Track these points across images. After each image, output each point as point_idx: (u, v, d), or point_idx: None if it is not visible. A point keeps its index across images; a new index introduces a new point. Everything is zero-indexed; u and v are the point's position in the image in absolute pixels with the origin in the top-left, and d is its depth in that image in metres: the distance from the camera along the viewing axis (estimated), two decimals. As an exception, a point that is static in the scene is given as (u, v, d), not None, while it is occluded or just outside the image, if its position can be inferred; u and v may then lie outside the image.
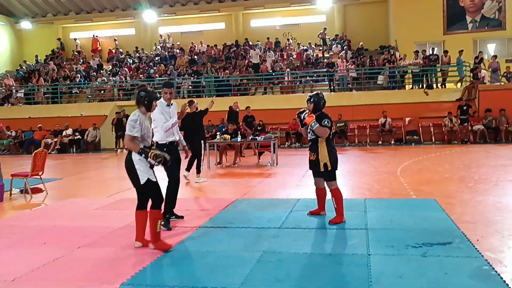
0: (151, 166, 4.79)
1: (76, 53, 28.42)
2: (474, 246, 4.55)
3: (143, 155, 4.68)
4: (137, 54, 27.19)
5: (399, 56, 20.66)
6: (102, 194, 8.64)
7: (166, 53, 26.67)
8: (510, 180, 8.42)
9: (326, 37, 25.22)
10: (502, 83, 18.84)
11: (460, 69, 19.23)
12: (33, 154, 8.58)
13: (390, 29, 24.35)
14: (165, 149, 5.76)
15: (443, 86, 19.70)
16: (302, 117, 5.75)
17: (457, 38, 22.26)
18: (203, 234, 5.46)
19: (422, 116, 18.13)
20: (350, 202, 6.99)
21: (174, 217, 6.11)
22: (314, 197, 7.45)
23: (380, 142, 18.05)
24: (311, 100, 5.76)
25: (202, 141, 9.76)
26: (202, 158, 9.76)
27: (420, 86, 19.45)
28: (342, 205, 5.71)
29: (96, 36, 28.70)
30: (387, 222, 5.68)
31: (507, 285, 3.58)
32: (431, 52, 20.41)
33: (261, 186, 8.99)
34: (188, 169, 9.50)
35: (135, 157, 4.73)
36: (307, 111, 5.75)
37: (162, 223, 5.46)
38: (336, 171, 5.75)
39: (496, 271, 3.86)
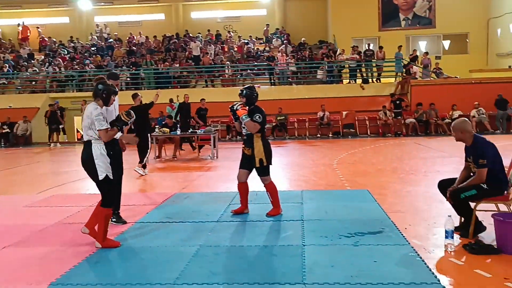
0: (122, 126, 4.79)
1: (4, 41, 26.76)
2: (402, 234, 4.78)
3: (121, 124, 4.74)
4: (72, 44, 26.05)
5: (338, 51, 21.21)
6: (33, 191, 8.24)
7: (103, 43, 25.74)
8: (438, 171, 8.89)
9: (269, 34, 25.40)
10: (432, 79, 19.86)
11: (398, 63, 20.03)
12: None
13: (328, 24, 24.92)
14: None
15: (378, 81, 20.45)
16: (234, 109, 5.63)
17: (391, 35, 23.18)
18: (139, 230, 5.34)
19: (358, 110, 18.73)
20: (287, 194, 7.11)
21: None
22: (253, 190, 7.53)
23: (318, 135, 18.47)
24: (243, 93, 5.66)
25: (148, 135, 9.62)
26: (148, 151, 9.65)
27: (356, 81, 20.10)
28: (278, 197, 5.76)
29: (23, 24, 26.93)
30: (322, 213, 5.83)
31: (430, 270, 3.79)
32: (367, 48, 21.10)
33: (200, 180, 8.95)
34: (141, 162, 9.49)
35: (96, 152, 4.60)
36: (240, 103, 5.65)
37: (114, 219, 5.44)
38: (271, 165, 5.75)
39: (420, 258, 4.07)
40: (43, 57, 24.61)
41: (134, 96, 9.66)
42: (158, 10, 27.33)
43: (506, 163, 4.68)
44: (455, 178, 4.87)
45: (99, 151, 4.60)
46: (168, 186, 8.46)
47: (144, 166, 9.62)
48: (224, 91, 20.40)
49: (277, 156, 12.58)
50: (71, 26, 27.60)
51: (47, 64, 23.30)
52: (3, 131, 18.96)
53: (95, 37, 26.39)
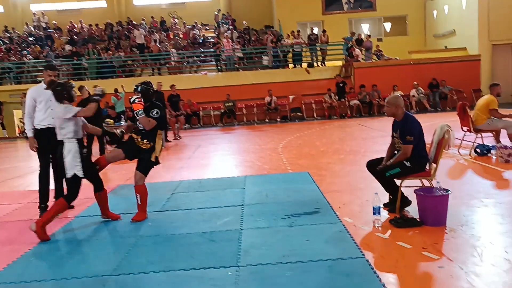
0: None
1: None
2: (335, 213, 5.01)
3: (97, 97, 5.17)
4: (7, 34, 24.85)
5: (283, 36, 21.41)
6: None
7: (41, 33, 24.72)
8: (377, 151, 9.24)
9: (219, 20, 25.23)
10: (374, 61, 20.47)
11: (346, 46, 20.44)
12: None
13: (273, 9, 25.04)
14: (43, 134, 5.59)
15: (322, 65, 20.85)
16: (130, 102, 5.24)
17: (334, 18, 23.64)
18: (79, 224, 5.31)
19: (305, 94, 19.08)
20: (231, 180, 7.25)
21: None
22: (198, 177, 7.62)
23: (267, 120, 18.70)
24: (138, 89, 5.30)
25: (103, 125, 9.51)
26: (104, 141, 9.74)
27: (302, 65, 20.42)
28: (146, 201, 5.36)
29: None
30: (263, 197, 5.99)
31: (357, 245, 4.02)
32: (310, 32, 21.42)
33: (145, 170, 8.89)
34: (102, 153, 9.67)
35: (66, 148, 4.76)
36: (138, 96, 5.24)
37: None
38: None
39: (350, 235, 4.31)
40: (-24, 48, 23.37)
41: (81, 89, 9.53)
42: (99, -3, 26.52)
43: (427, 140, 4.98)
44: (383, 158, 5.15)
45: (68, 147, 4.75)
46: (112, 178, 8.37)
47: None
48: (170, 79, 20.18)
49: (224, 142, 12.73)
50: (5, 16, 26.30)
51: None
52: None
53: (31, 27, 25.24)
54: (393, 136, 5.10)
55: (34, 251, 4.45)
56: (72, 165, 4.75)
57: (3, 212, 6.05)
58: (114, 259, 4.08)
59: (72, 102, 4.93)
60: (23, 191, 7.56)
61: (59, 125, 4.79)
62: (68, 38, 23.83)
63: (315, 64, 20.64)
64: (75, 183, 4.81)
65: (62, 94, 4.84)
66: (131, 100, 5.22)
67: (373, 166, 5.10)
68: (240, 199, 5.92)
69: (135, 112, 5.17)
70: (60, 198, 4.94)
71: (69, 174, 4.76)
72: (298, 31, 21.03)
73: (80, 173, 4.78)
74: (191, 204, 5.86)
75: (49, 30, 24.99)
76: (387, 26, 24.81)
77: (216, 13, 25.18)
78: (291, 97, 19.06)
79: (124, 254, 4.20)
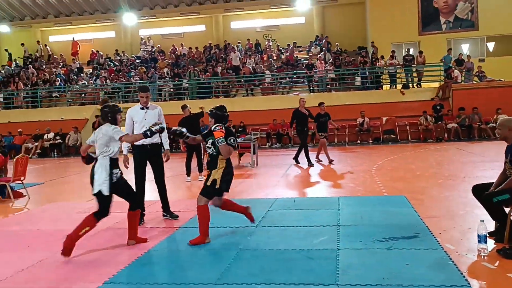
0: (152, 133, 5.07)
1: (56, 56, 28.21)
2: (436, 239, 4.88)
3: (149, 133, 5.04)
4: (118, 57, 27.18)
5: (378, 56, 21.12)
6: (84, 198, 8.78)
7: (147, 55, 26.73)
8: (477, 176, 8.80)
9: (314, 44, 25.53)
10: (475, 82, 19.44)
11: (444, 67, 19.70)
12: (14, 160, 8.67)
13: (367, 30, 24.83)
14: (144, 151, 6.17)
15: (418, 86, 20.22)
16: (212, 130, 5.18)
17: (432, 39, 22.85)
18: (183, 234, 5.68)
19: (399, 115, 18.58)
20: (325, 200, 7.31)
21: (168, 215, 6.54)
22: (291, 196, 7.78)
23: (358, 141, 18.45)
24: (211, 114, 5.25)
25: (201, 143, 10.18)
26: (202, 157, 10.18)
27: (396, 86, 19.97)
28: (207, 225, 5.25)
29: (74, 39, 28.33)
30: (358, 218, 5.98)
31: (461, 273, 3.90)
32: (406, 53, 20.92)
33: (241, 187, 9.24)
34: (200, 170, 10.09)
35: (97, 165, 4.98)
36: (218, 124, 5.17)
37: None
38: (219, 194, 5.33)
39: (452, 261, 4.18)
40: (91, 70, 25.85)
41: (184, 108, 10.16)
42: (199, 22, 28.07)
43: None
44: (491, 183, 4.92)
45: (101, 166, 4.94)
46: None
47: (188, 174, 10.08)
48: (263, 100, 20.78)
49: (316, 162, 12.77)
50: (117, 40, 28.81)
51: (95, 77, 24.46)
52: (56, 141, 20.05)
53: (141, 50, 27.34)
54: (505, 162, 4.86)
55: (146, 256, 4.86)
56: (100, 182, 4.89)
57: (116, 220, 6.65)
58: (217, 269, 4.33)
59: (115, 125, 5.05)
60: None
61: (104, 143, 4.93)
62: (171, 60, 25.49)
63: (410, 85, 20.07)
64: (101, 200, 4.95)
65: (106, 115, 5.03)
66: (212, 128, 5.18)
67: (480, 191, 4.88)
68: (335, 220, 5.96)
69: (216, 140, 5.09)
70: (90, 214, 5.04)
71: (95, 190, 4.92)
72: (393, 52, 20.64)
73: (105, 191, 4.88)
74: (286, 222, 6.02)
75: (154, 53, 26.94)
76: (490, 45, 23.46)
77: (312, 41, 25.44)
78: (384, 118, 18.66)
79: (226, 265, 4.44)
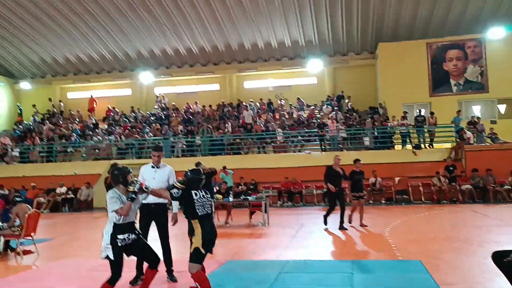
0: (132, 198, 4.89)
1: (73, 112, 28.94)
2: (454, 308, 4.71)
3: (133, 195, 4.88)
4: (133, 114, 27.79)
5: (389, 116, 21.36)
6: (94, 255, 8.69)
7: (162, 113, 27.29)
8: (495, 242, 8.60)
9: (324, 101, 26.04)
10: (487, 144, 19.41)
11: (456, 129, 19.78)
12: (26, 216, 8.68)
13: (378, 90, 25.24)
14: (149, 210, 6.25)
15: (430, 146, 20.23)
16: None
17: (443, 100, 23.10)
18: None
19: (411, 176, 18.46)
20: (338, 264, 7.16)
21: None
22: (303, 257, 7.64)
23: (371, 201, 18.24)
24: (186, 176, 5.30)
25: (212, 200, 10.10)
26: (213, 216, 10.06)
27: (407, 146, 20.01)
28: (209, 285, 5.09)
29: (92, 96, 29.12)
30: (372, 284, 5.82)
31: None
32: (418, 113, 21.12)
33: (251, 247, 9.11)
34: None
35: (104, 231, 4.98)
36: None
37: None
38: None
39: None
40: (106, 126, 26.38)
41: (197, 165, 10.22)
42: (214, 81, 28.80)
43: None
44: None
45: (105, 231, 4.96)
46: (220, 252, 8.66)
47: None
48: (275, 158, 20.88)
49: (328, 223, 12.60)
50: (132, 97, 29.53)
51: (109, 133, 24.93)
52: (68, 196, 20.14)
53: (157, 107, 27.93)
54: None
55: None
56: (103, 247, 4.92)
57: (124, 279, 6.55)
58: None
59: (126, 186, 4.98)
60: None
61: (108, 209, 4.97)
62: (184, 117, 25.98)
63: (422, 145, 20.09)
64: (110, 263, 4.91)
65: (118, 178, 5.04)
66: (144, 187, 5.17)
67: (500, 258, 4.72)
68: (349, 285, 5.80)
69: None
70: (104, 283, 4.92)
71: (102, 255, 4.95)
72: (405, 113, 20.85)
73: (111, 255, 4.87)
74: (298, 285, 5.89)
75: (168, 111, 27.50)
76: (502, 107, 23.60)
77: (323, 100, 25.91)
78: (396, 178, 18.55)
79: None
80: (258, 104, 26.53)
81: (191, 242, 5.09)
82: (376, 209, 16.28)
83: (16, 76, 30.64)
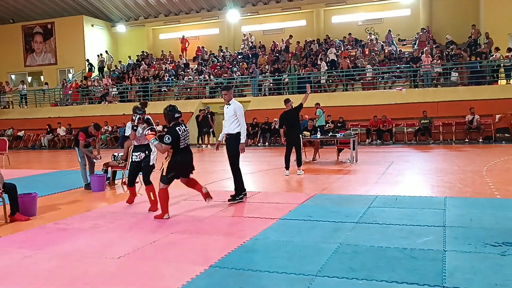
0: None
1: (165, 53, 30.03)
2: (558, 248, 4.46)
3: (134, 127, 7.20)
4: (221, 53, 28.20)
5: (492, 48, 19.59)
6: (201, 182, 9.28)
7: (249, 51, 27.39)
8: None
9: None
10: None
11: None
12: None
13: (480, 20, 23.06)
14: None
15: (540, 81, 18.44)
16: (145, 133, 6.73)
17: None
18: (283, 226, 5.80)
19: (515, 113, 17.11)
20: (430, 200, 7.01)
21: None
22: (393, 193, 7.57)
23: (467, 140, 17.31)
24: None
25: (300, 135, 10.33)
26: (301, 151, 10.34)
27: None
28: (166, 204, 6.45)
29: (183, 37, 29.93)
30: (466, 220, 5.65)
31: None
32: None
33: (339, 183, 9.17)
34: (299, 164, 10.28)
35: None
36: (148, 128, 6.79)
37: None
38: (174, 178, 6.41)
39: None
40: (196, 66, 27.15)
41: (286, 101, 10.43)
42: (300, 17, 28.14)
43: None
44: None
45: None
46: (308, 187, 8.87)
47: (287, 168, 10.26)
48: (364, 95, 20.31)
49: (418, 161, 12.26)
50: (220, 37, 29.90)
51: (200, 72, 25.66)
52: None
53: (244, 45, 28.08)
54: None
55: (248, 244, 5.05)
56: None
57: (220, 208, 6.98)
58: (318, 261, 4.37)
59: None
60: (223, 191, 8.51)
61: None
62: (271, 55, 25.88)
63: (529, 80, 18.37)
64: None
65: (135, 111, 7.09)
66: (145, 132, 6.70)
67: None
68: (441, 220, 5.69)
69: (149, 142, 6.60)
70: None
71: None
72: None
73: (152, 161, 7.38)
74: (388, 220, 5.87)
75: (255, 49, 27.53)
76: None
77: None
78: (497, 116, 17.29)
79: (326, 258, 4.47)
80: (346, 39, 25.58)
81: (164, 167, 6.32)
82: (473, 147, 15.46)
83: (112, 20, 32.16)
